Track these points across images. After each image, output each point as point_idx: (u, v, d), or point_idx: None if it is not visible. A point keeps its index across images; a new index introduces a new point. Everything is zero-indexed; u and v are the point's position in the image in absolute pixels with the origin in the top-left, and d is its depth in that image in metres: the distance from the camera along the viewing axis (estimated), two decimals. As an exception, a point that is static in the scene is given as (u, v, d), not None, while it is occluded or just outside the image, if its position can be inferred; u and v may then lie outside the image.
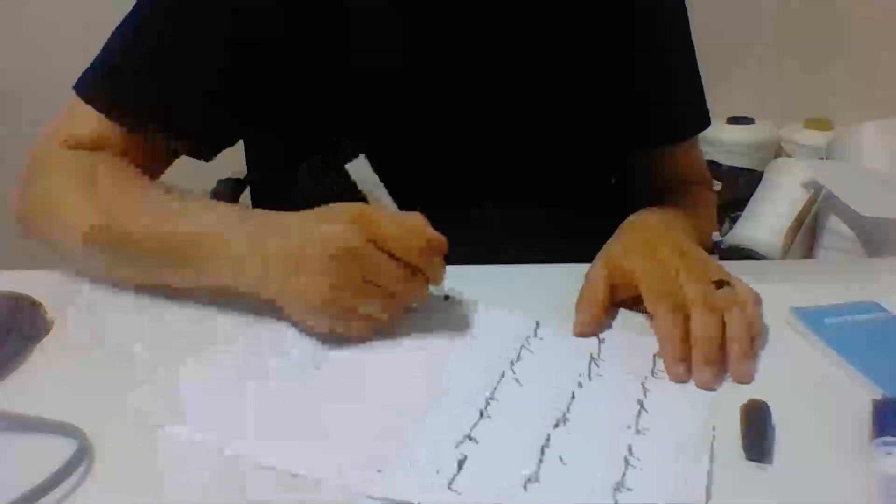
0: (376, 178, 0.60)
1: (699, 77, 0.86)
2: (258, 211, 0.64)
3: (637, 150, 0.85)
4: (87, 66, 0.73)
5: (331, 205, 0.59)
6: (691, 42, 0.84)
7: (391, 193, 0.76)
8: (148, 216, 0.64)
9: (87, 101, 0.71)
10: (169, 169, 0.77)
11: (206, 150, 0.77)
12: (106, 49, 0.73)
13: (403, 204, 0.76)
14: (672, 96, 0.84)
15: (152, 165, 0.75)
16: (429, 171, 0.75)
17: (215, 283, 0.61)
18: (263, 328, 0.61)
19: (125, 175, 0.69)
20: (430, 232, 0.58)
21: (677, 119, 0.86)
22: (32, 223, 0.69)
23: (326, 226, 0.57)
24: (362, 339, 0.59)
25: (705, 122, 0.88)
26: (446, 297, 0.65)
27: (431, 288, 0.61)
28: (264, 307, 0.60)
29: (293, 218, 0.60)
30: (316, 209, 0.59)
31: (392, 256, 0.56)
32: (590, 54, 0.77)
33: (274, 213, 0.62)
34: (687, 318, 0.59)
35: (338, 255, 0.55)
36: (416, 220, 0.58)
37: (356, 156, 0.60)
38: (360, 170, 0.60)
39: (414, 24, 0.72)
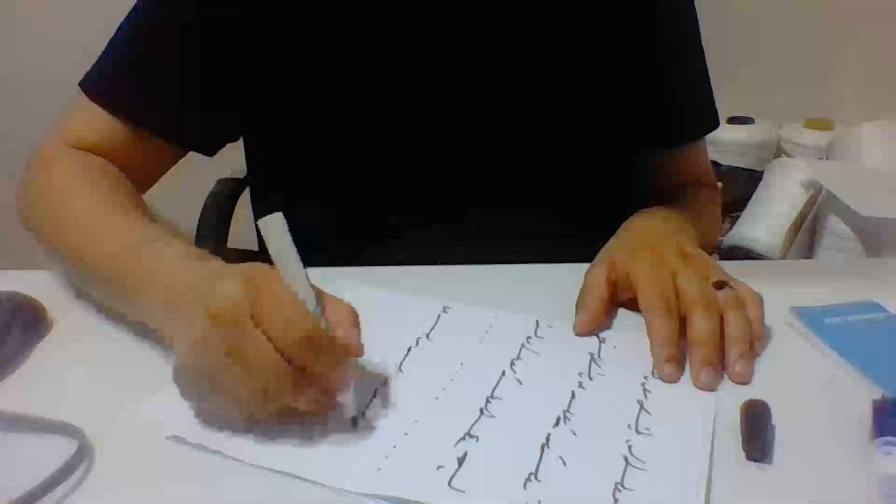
0: (289, 242, 0.49)
1: (708, 78, 0.86)
2: (197, 255, 0.56)
3: (644, 150, 0.85)
4: (90, 63, 0.73)
5: (248, 263, 0.51)
6: (701, 43, 0.84)
7: (391, 192, 0.76)
8: (102, 247, 0.60)
9: (92, 97, 0.71)
10: (170, 169, 0.78)
11: (209, 144, 0.77)
12: (111, 46, 0.73)
13: (405, 203, 0.77)
14: (681, 97, 0.84)
15: (157, 164, 0.75)
16: (430, 169, 0.75)
17: (129, 314, 0.59)
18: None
19: (107, 196, 0.65)
20: (341, 330, 0.48)
21: (685, 120, 0.86)
22: (27, 221, 0.69)
23: (214, 280, 0.48)
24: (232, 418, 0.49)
25: (713, 124, 0.88)
26: (354, 421, 0.50)
27: (341, 400, 0.50)
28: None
29: (207, 265, 0.53)
30: (235, 265, 0.52)
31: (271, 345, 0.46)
32: (599, 54, 0.76)
33: (206, 258, 0.55)
34: (681, 320, 0.59)
35: (208, 316, 0.46)
36: (340, 311, 0.50)
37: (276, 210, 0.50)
38: (271, 229, 0.49)
39: (412, 19, 0.72)
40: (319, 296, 0.50)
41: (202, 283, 0.49)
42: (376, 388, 0.54)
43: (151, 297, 0.54)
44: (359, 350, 0.49)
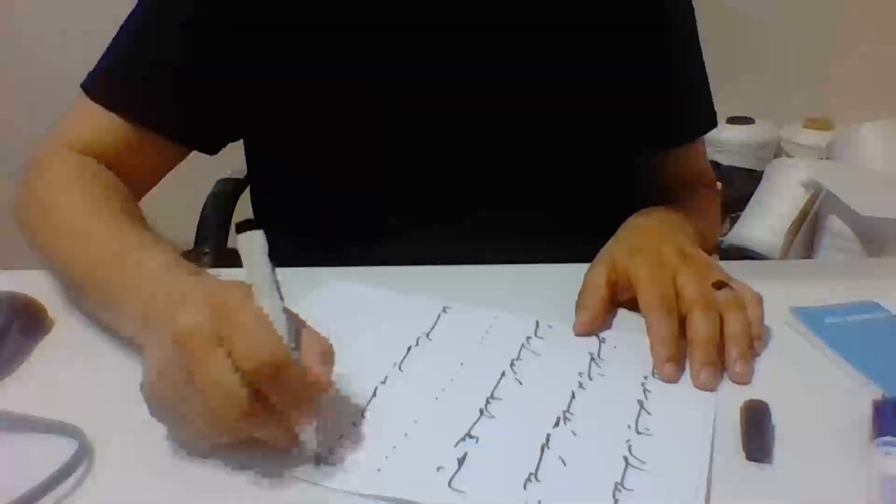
0: (265, 263, 0.46)
1: (706, 77, 0.86)
2: (181, 266, 0.55)
3: (643, 150, 0.85)
4: (92, 65, 0.73)
5: (225, 281, 0.49)
6: (698, 42, 0.84)
7: (392, 192, 0.76)
8: (85, 254, 0.59)
9: (94, 97, 0.71)
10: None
11: (211, 143, 0.77)
12: (112, 47, 0.73)
13: (405, 204, 0.77)
14: (679, 97, 0.84)
15: (158, 164, 0.75)
16: (430, 169, 0.75)
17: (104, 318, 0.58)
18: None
19: (98, 201, 0.65)
20: (314, 363, 0.45)
21: (684, 120, 0.86)
22: (22, 224, 0.69)
23: (180, 300, 0.47)
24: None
25: (711, 123, 0.88)
26: (317, 460, 0.47)
27: (302, 437, 0.46)
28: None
29: (186, 279, 0.52)
30: (211, 281, 0.50)
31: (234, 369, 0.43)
32: (599, 55, 0.77)
33: (187, 269, 0.54)
34: (681, 320, 0.59)
35: (177, 336, 0.44)
36: (315, 342, 0.47)
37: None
38: (249, 247, 0.46)
39: (412, 18, 0.72)
40: (298, 325, 0.48)
41: (178, 297, 0.48)
42: (376, 387, 0.54)
43: (129, 309, 0.53)
44: (328, 387, 0.46)
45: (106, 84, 0.72)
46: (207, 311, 0.44)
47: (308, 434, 0.46)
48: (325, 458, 0.47)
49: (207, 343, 0.43)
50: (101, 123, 0.71)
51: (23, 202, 0.70)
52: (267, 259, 0.46)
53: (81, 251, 0.60)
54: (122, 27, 0.73)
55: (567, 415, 0.51)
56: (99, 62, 0.73)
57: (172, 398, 0.45)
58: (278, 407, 0.44)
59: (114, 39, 0.73)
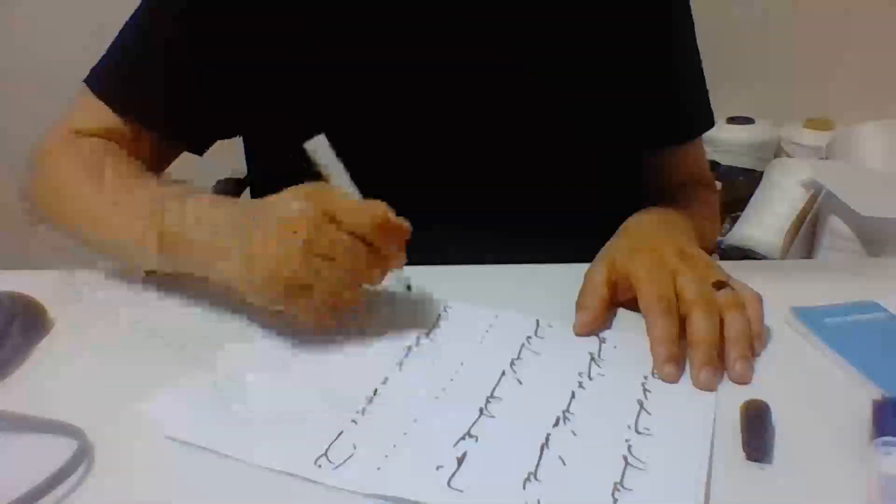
0: (336, 159, 0.59)
1: (703, 77, 0.86)
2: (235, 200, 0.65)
3: (641, 150, 0.85)
4: (91, 62, 0.74)
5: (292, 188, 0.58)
6: (696, 42, 0.85)
7: (391, 192, 0.76)
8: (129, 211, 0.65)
9: (97, 94, 0.73)
10: (170, 168, 0.78)
11: (199, 142, 0.78)
12: (116, 44, 0.75)
13: (405, 204, 0.76)
14: (677, 97, 0.84)
15: (156, 160, 0.76)
16: (430, 169, 0.75)
17: (179, 268, 0.62)
18: (264, 332, 0.61)
19: (124, 169, 0.70)
20: (392, 215, 0.57)
21: (682, 120, 0.86)
22: (43, 207, 0.72)
23: (278, 199, 0.57)
24: (318, 326, 0.58)
25: (709, 123, 0.88)
26: (409, 287, 0.63)
27: (394, 278, 0.62)
28: (266, 312, 0.60)
29: (227, 210, 0.61)
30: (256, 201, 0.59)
31: (348, 234, 0.56)
32: (597, 56, 0.77)
33: (217, 208, 0.62)
34: (681, 320, 0.59)
35: (287, 224, 0.54)
36: (378, 204, 0.58)
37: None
38: (318, 149, 0.58)
39: (413, 18, 0.73)
40: None
41: (261, 203, 0.58)
42: (376, 387, 0.54)
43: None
44: (409, 229, 0.58)
45: (109, 83, 0.74)
46: (304, 198, 0.56)
47: (400, 272, 0.61)
48: (413, 288, 0.63)
49: (321, 217, 0.55)
50: (104, 124, 0.73)
51: (35, 193, 0.73)
52: (335, 155, 0.58)
53: (105, 234, 0.66)
54: (125, 26, 0.74)
55: (567, 415, 0.52)
56: (102, 59, 0.75)
57: (297, 275, 0.54)
58: (384, 252, 0.57)
59: (118, 36, 0.75)
